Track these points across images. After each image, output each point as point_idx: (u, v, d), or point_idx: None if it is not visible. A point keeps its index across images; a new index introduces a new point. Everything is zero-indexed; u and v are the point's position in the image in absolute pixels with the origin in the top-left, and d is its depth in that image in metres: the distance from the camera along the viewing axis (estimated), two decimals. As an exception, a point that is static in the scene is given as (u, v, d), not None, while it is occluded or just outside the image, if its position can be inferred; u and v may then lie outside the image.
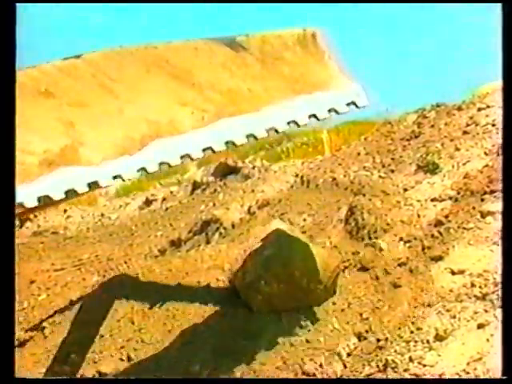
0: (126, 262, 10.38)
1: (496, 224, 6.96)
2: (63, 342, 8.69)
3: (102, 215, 17.27)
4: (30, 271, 12.11)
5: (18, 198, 5.18)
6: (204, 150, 7.67)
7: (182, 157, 7.49)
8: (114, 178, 7.03)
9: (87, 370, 8.04)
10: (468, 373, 5.56)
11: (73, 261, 12.30)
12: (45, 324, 9.33)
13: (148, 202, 16.72)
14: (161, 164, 7.44)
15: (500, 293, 5.42)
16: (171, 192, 16.76)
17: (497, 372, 5.40)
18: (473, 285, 6.38)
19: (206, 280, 8.42)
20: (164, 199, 16.33)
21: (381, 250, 7.63)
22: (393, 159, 9.39)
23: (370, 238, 7.92)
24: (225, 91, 8.30)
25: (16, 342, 9.18)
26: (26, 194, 5.39)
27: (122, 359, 7.95)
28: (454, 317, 6.18)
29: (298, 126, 8.40)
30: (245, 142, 8.05)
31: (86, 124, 5.99)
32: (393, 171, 9.05)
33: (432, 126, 9.97)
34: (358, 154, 10.24)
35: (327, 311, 7.23)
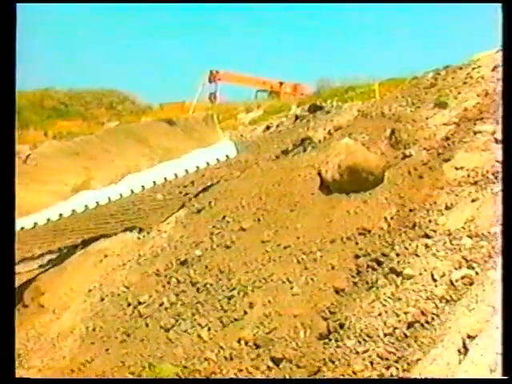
0: (256, 163, 10.49)
1: (483, 139, 6.78)
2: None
3: (241, 136, 17.48)
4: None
5: None
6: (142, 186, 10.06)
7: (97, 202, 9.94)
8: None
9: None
10: (464, 228, 5.50)
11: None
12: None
13: (268, 127, 16.84)
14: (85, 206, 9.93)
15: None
16: (282, 121, 16.81)
17: (484, 227, 5.32)
18: (469, 176, 6.29)
19: (304, 174, 8.49)
20: (278, 126, 16.45)
21: (411, 155, 7.53)
22: (419, 100, 9.18)
23: (404, 148, 7.81)
24: (165, 148, 10.20)
25: (139, 237, 9.59)
26: None
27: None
28: (457, 195, 6.12)
29: (198, 169, 10.44)
30: (173, 179, 10.31)
31: None
32: (419, 107, 8.85)
33: (443, 79, 9.69)
34: (397, 97, 10.00)
35: (378, 192, 7.19)
